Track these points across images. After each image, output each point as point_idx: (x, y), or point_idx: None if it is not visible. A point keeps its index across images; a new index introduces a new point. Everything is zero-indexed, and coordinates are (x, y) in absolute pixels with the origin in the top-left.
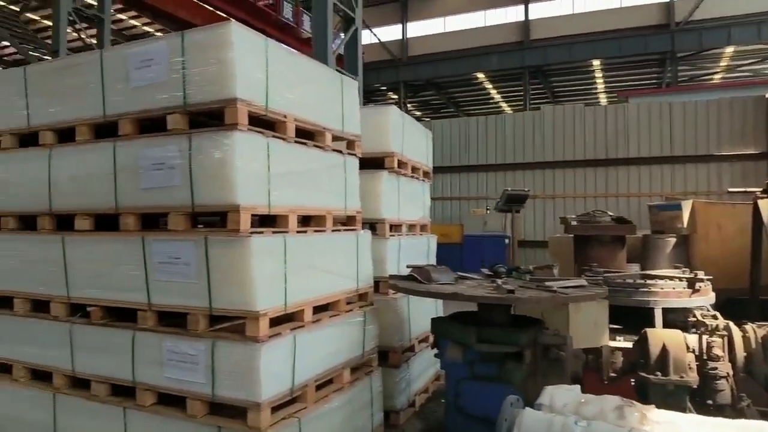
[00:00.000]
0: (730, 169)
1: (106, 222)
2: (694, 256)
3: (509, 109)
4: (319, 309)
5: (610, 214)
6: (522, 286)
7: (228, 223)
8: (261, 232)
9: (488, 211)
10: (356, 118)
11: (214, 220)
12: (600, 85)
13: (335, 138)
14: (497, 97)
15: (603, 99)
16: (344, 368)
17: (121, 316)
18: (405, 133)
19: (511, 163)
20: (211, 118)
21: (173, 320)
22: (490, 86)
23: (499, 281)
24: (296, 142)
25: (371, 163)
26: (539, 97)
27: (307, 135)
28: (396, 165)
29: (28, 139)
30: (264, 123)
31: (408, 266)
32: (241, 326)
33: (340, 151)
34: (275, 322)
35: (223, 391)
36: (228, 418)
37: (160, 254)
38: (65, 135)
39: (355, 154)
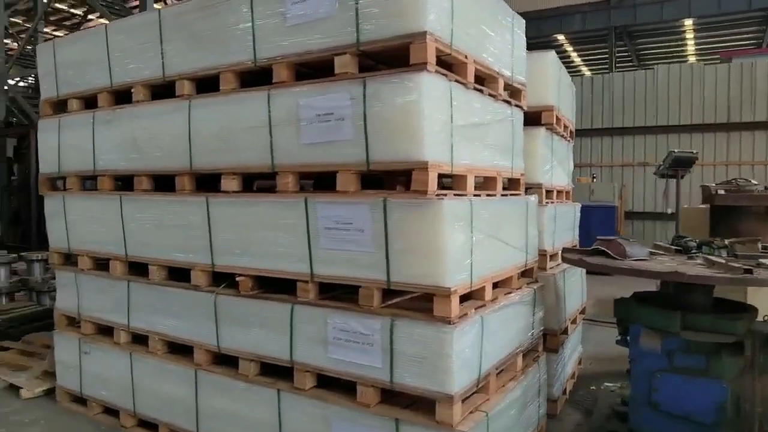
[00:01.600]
0: None
1: (253, 182)
2: None
3: (589, 73)
4: (493, 286)
5: (755, 182)
6: (744, 265)
7: (413, 183)
8: (445, 195)
9: (594, 180)
10: (523, 63)
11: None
12: (690, 46)
13: (505, 86)
14: (577, 60)
15: (693, 61)
16: (518, 354)
17: (275, 287)
18: (561, 85)
19: (618, 128)
20: (378, 62)
21: (331, 293)
22: (570, 48)
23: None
24: (474, 88)
25: (525, 118)
26: (623, 61)
27: (480, 81)
28: (554, 121)
29: (162, 90)
30: (443, 65)
31: (598, 239)
32: (415, 303)
33: (509, 102)
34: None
35: (404, 378)
36: (404, 409)
37: (328, 219)
38: (207, 84)
39: (521, 106)
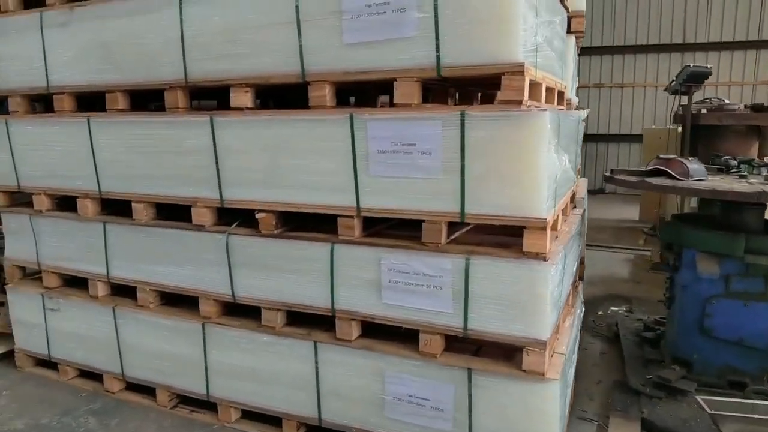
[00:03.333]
0: None
1: (271, 97)
2: None
3: None
4: None
5: (728, 101)
6: None
7: (503, 91)
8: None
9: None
10: None
11: None
12: None
13: None
14: None
15: None
16: (574, 286)
17: (302, 223)
18: None
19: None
20: None
21: (371, 229)
22: None
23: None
24: None
25: None
26: None
27: None
28: (584, 29)
29: None
30: None
31: (658, 157)
32: (477, 237)
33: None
34: None
35: (481, 324)
36: (474, 357)
37: (381, 140)
38: None
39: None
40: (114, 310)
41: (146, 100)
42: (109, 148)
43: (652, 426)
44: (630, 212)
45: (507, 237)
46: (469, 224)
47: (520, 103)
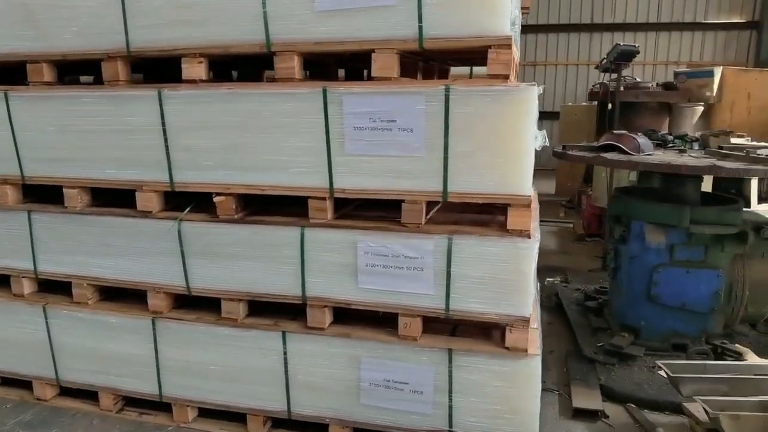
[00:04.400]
0: (714, 39)
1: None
2: (716, 125)
3: None
4: None
5: (638, 79)
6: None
7: (490, 65)
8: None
9: None
10: None
11: None
12: None
13: None
14: None
15: None
16: None
17: (264, 207)
18: None
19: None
20: None
21: (340, 211)
22: None
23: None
24: None
25: None
26: None
27: None
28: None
29: None
30: None
31: (610, 133)
32: (450, 216)
33: None
34: None
35: (464, 304)
36: (453, 337)
37: (358, 116)
38: None
39: None
40: (45, 309)
41: (74, 72)
42: (32, 127)
43: (610, 392)
44: (546, 186)
45: (477, 214)
46: (438, 203)
47: (507, 77)
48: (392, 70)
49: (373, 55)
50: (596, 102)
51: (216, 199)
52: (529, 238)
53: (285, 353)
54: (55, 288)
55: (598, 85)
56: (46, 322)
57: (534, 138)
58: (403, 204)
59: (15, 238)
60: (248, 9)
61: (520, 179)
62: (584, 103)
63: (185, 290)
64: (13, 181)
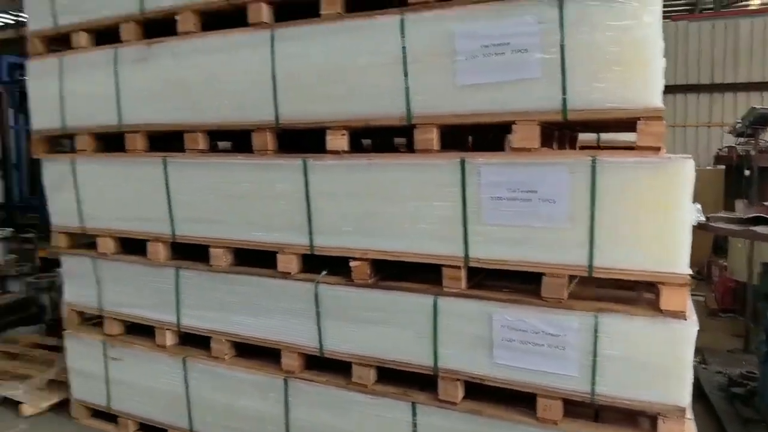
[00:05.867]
0: None
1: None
2: None
3: None
4: None
5: None
6: None
7: (639, 137)
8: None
9: None
10: None
11: None
12: None
13: None
14: None
15: None
16: None
17: (397, 273)
18: None
19: None
20: None
21: (473, 280)
22: None
23: None
24: None
25: None
26: None
27: None
28: None
29: (220, 18)
30: None
31: (761, 205)
32: (604, 292)
33: None
34: None
35: (612, 388)
36: (597, 423)
37: (496, 186)
38: (292, 8)
39: None
40: (184, 361)
41: (217, 138)
42: (185, 190)
43: None
44: None
45: (619, 290)
46: (575, 277)
47: (658, 149)
48: (533, 141)
49: (513, 126)
50: (723, 167)
51: (352, 263)
52: (685, 320)
53: (414, 425)
54: (193, 341)
55: (725, 149)
56: (185, 374)
57: (689, 212)
58: (543, 277)
59: (162, 293)
60: (390, 84)
61: (675, 256)
62: (708, 168)
63: (318, 351)
64: (164, 239)
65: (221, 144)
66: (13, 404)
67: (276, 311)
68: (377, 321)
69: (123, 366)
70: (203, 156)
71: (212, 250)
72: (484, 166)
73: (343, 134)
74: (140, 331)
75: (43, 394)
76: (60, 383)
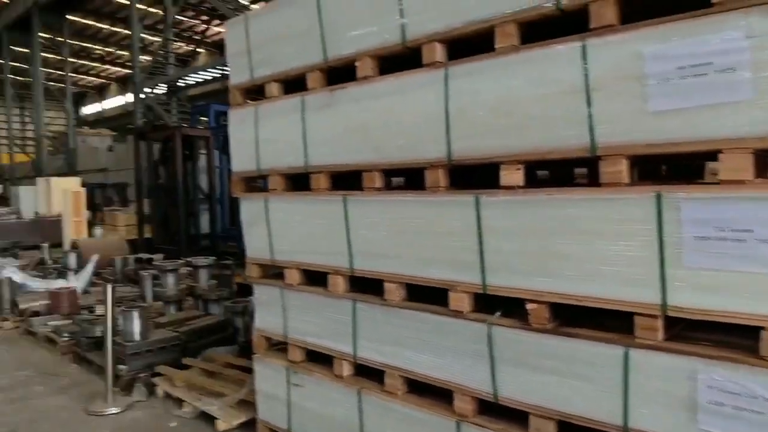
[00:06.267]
0: None
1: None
2: None
3: None
4: None
5: None
6: None
7: None
8: None
9: None
10: None
11: None
12: None
13: None
14: None
15: None
16: None
17: (578, 317)
18: None
19: None
20: None
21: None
22: None
23: None
24: None
25: None
26: None
27: None
28: None
29: (396, 61)
30: None
31: None
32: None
33: None
34: None
35: None
36: None
37: (700, 224)
38: (462, 45)
39: None
40: (359, 393)
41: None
42: (362, 226)
43: None
44: None
45: None
46: None
47: None
48: (746, 172)
49: (720, 155)
50: None
51: (528, 306)
52: None
53: None
54: (368, 373)
55: None
56: (360, 406)
57: None
58: (762, 332)
59: (340, 323)
60: (571, 114)
61: None
62: None
63: (492, 397)
64: (343, 273)
65: (395, 180)
66: (209, 419)
67: (448, 350)
68: (557, 370)
69: (303, 392)
70: (379, 194)
71: (386, 285)
72: (685, 200)
73: (518, 169)
74: (320, 359)
75: (234, 411)
76: (249, 403)
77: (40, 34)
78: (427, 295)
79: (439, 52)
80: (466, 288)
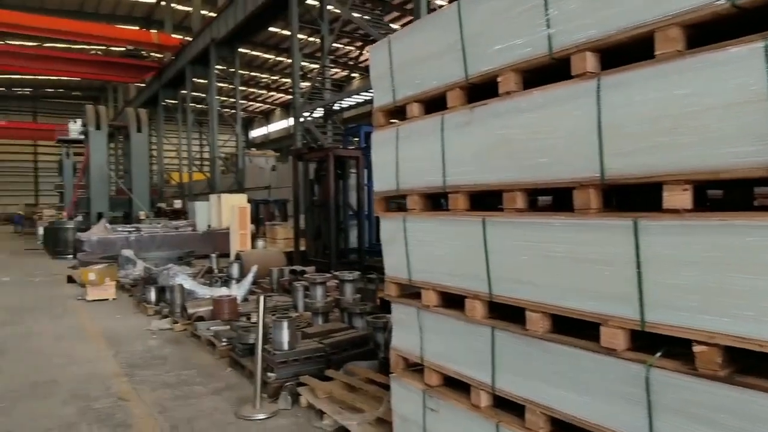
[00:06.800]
0: None
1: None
2: None
3: None
4: None
5: None
6: None
7: None
8: None
9: None
10: None
11: None
12: None
13: None
14: None
15: None
16: None
17: (752, 366)
18: None
19: None
20: None
21: None
22: None
23: None
24: None
25: None
26: None
27: None
28: None
29: (539, 74)
30: None
31: None
32: None
33: None
34: None
35: None
36: None
37: None
38: (613, 54)
39: None
40: (498, 427)
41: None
42: (503, 250)
43: None
44: None
45: None
46: None
47: None
48: None
49: None
50: None
51: (696, 348)
52: None
53: None
54: (507, 406)
55: None
56: None
57: None
58: None
59: (477, 351)
60: (751, 126)
61: None
62: None
63: None
64: (482, 298)
65: (541, 198)
66: None
67: (597, 390)
68: (731, 426)
69: (438, 418)
70: (521, 215)
71: (528, 314)
72: None
73: (685, 189)
74: (456, 384)
75: (371, 429)
76: (386, 422)
77: (216, 66)
78: (574, 327)
79: (590, 61)
80: (620, 323)
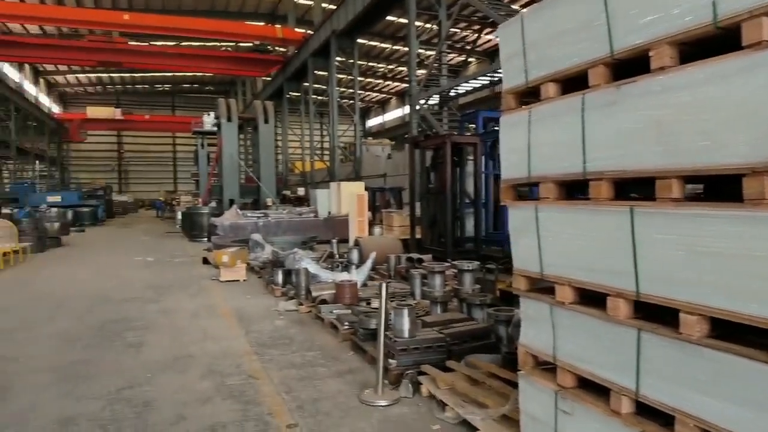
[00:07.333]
0: None
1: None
2: None
3: None
4: None
5: None
6: None
7: None
8: None
9: None
10: None
11: None
12: None
13: None
14: None
15: None
16: None
17: None
18: None
19: None
20: None
21: None
22: None
23: None
24: None
25: None
26: None
27: None
28: None
29: (701, 46)
30: None
31: None
32: None
33: None
34: None
35: None
36: None
37: None
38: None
39: None
40: None
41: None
42: (654, 244)
43: None
44: None
45: None
46: None
47: None
48: None
49: None
50: None
51: None
52: None
53: None
54: (650, 413)
55: None
56: None
57: None
58: None
59: (619, 354)
60: None
61: None
62: None
63: None
64: (627, 296)
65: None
66: (470, 427)
67: (762, 405)
68: None
69: (572, 421)
70: (677, 205)
71: (683, 316)
72: None
73: None
74: (592, 386)
75: (497, 425)
76: (511, 420)
77: (336, 58)
78: (734, 333)
79: (766, 28)
80: None
